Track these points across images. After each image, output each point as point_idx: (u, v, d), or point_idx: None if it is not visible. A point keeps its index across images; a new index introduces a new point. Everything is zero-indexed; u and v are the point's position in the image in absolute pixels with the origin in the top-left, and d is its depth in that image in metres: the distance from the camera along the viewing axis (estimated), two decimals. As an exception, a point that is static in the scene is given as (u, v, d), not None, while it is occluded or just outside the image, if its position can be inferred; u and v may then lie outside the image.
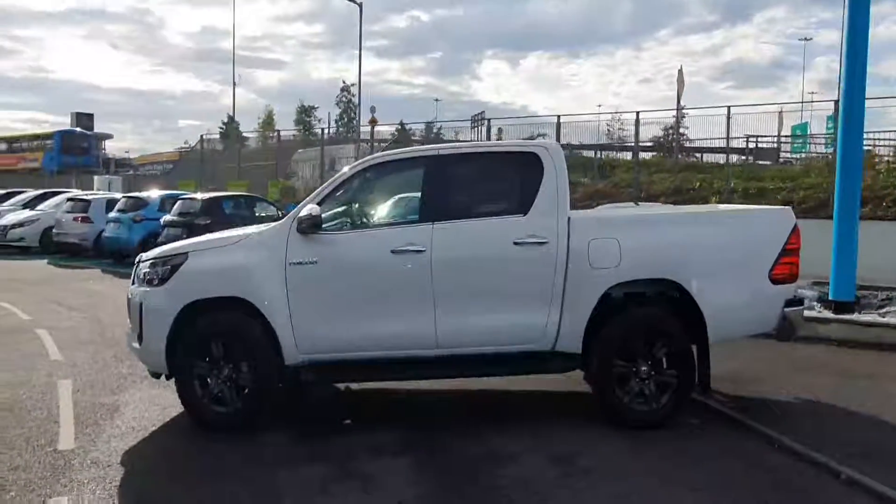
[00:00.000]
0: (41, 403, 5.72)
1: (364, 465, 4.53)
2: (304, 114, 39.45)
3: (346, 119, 37.26)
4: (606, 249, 4.99)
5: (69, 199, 18.42)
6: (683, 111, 23.60)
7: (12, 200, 21.12)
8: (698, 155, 23.76)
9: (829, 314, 8.61)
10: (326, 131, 34.40)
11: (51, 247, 17.83)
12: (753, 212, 5.86)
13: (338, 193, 5.27)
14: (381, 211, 5.58)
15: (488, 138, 21.07)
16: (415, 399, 6.05)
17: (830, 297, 8.84)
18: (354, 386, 6.22)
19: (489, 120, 22.41)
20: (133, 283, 5.39)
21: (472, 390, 6.08)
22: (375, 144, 25.24)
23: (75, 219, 17.27)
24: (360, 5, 30.30)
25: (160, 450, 4.92)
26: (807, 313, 8.54)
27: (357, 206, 5.43)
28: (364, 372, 5.28)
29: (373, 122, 33.29)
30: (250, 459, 4.65)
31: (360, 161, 5.36)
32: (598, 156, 23.04)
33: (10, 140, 49.12)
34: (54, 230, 17.76)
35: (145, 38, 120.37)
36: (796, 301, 5.24)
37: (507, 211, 5.16)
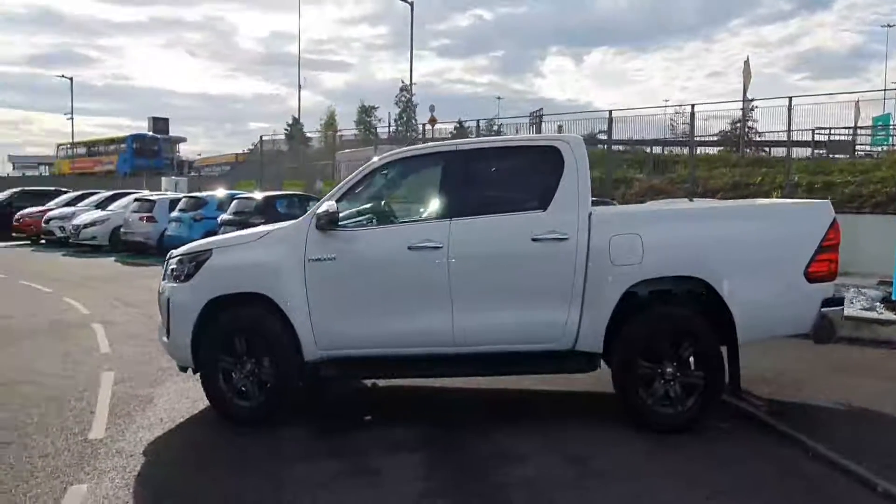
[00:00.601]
0: (83, 394, 5.96)
1: (377, 460, 4.54)
2: (365, 114, 40.08)
3: (404, 118, 37.54)
4: (628, 246, 4.82)
5: (136, 200, 19.25)
6: (752, 104, 22.66)
7: (86, 201, 22.23)
8: (767, 149, 22.79)
9: (891, 315, 8.10)
10: (387, 131, 34.76)
11: (119, 245, 18.66)
12: (788, 206, 5.56)
13: (357, 190, 5.29)
14: (400, 207, 5.56)
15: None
16: (437, 396, 6.02)
17: (894, 298, 8.32)
18: (381, 383, 6.24)
19: (541, 116, 22.11)
20: (163, 279, 5.56)
21: (494, 389, 6.00)
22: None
23: (141, 218, 18.02)
24: (412, 4, 30.50)
25: (184, 441, 5.05)
26: (867, 314, 8.09)
27: (376, 202, 5.43)
28: (382, 369, 5.27)
29: (432, 122, 33.46)
30: (270, 453, 4.71)
31: (378, 157, 5.36)
32: (655, 151, 22.39)
33: (88, 144, 51.96)
34: (122, 229, 18.58)
35: (219, 45, 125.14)
36: (836, 300, 4.92)
37: (526, 206, 5.06)
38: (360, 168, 5.32)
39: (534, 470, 4.34)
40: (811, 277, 4.79)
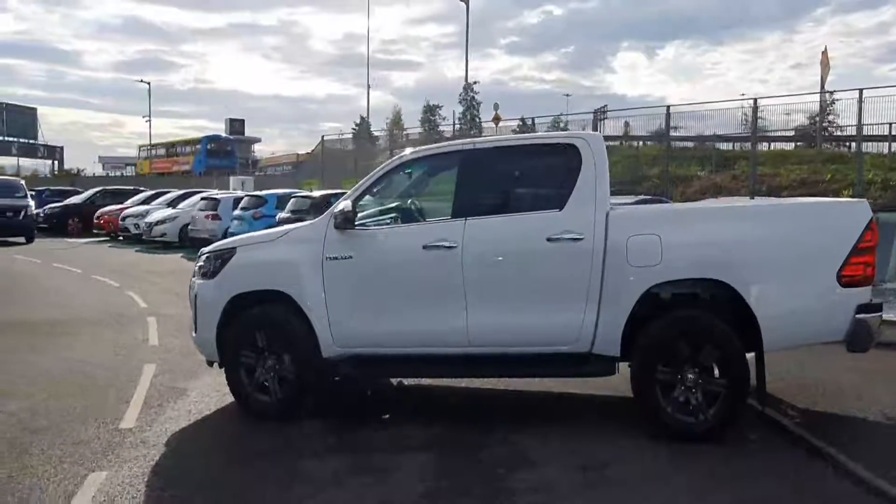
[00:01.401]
0: (124, 384, 6.24)
1: (387, 459, 4.56)
2: (429, 112, 40.27)
3: (468, 117, 37.51)
4: (647, 246, 4.65)
5: (202, 199, 20.01)
6: (832, 96, 21.42)
7: (159, 200, 23.31)
8: (849, 144, 21.54)
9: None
10: (451, 129, 34.81)
11: (187, 242, 19.45)
12: (821, 205, 5.23)
13: (375, 189, 5.32)
14: (417, 206, 5.55)
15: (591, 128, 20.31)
16: (459, 397, 6.01)
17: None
18: (406, 382, 6.26)
19: (604, 112, 21.66)
20: (193, 276, 5.75)
21: (516, 391, 5.95)
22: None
23: (206, 216, 18.72)
24: (467, 2, 30.72)
25: (206, 433, 5.21)
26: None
27: (393, 201, 5.44)
28: (398, 368, 5.30)
29: (496, 120, 33.33)
30: (284, 447, 4.80)
31: (396, 157, 5.37)
32: (725, 147, 21.53)
33: (167, 146, 54.58)
34: (189, 226, 19.36)
35: (293, 48, 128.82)
36: (873, 306, 4.59)
37: (542, 205, 4.96)
38: (379, 167, 5.35)
39: (544, 476, 4.25)
40: (845, 282, 4.49)
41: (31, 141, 62.15)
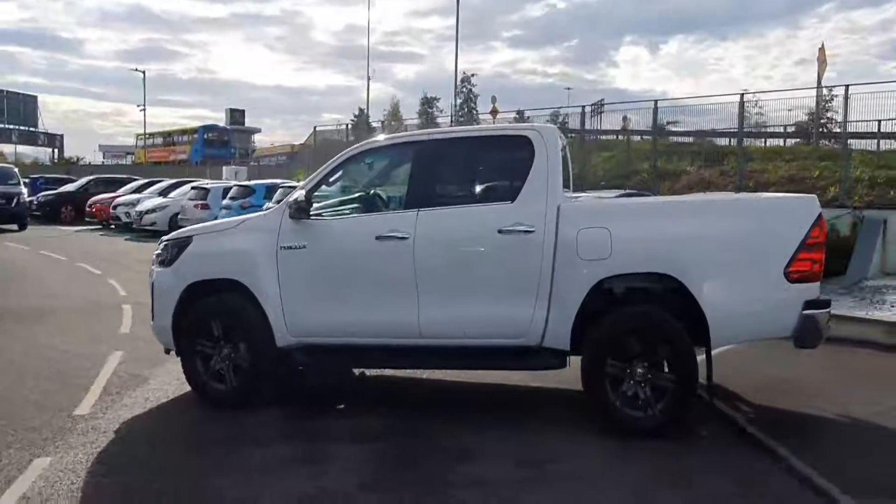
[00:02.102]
0: (86, 371, 6.24)
1: (332, 449, 4.56)
2: (427, 105, 40.28)
3: (466, 109, 37.50)
4: (596, 240, 4.64)
5: (192, 188, 20.01)
6: (832, 92, 21.28)
7: (151, 189, 23.32)
8: (850, 141, 21.39)
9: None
10: (448, 121, 34.74)
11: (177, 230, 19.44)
12: (769, 200, 5.19)
13: (331, 179, 5.31)
14: (372, 197, 5.54)
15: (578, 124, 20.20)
16: (422, 387, 6.03)
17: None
18: (369, 372, 6.27)
19: (601, 106, 21.51)
20: (152, 264, 5.75)
21: (477, 382, 5.94)
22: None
23: (196, 206, 18.74)
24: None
25: (158, 421, 5.20)
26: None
27: (348, 191, 5.43)
28: (352, 358, 5.30)
29: (494, 112, 33.24)
30: (234, 436, 4.80)
31: (351, 147, 5.36)
32: (723, 143, 21.43)
33: (164, 135, 54.66)
34: (179, 216, 19.35)
35: (295, 39, 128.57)
36: (821, 302, 4.57)
37: (495, 197, 4.96)
38: (336, 157, 5.33)
39: (484, 469, 4.24)
40: (792, 277, 4.47)
41: (32, 129, 62.19)
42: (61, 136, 66.50)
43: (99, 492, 3.95)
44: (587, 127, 22.64)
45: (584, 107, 20.09)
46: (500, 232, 4.77)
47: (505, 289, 4.81)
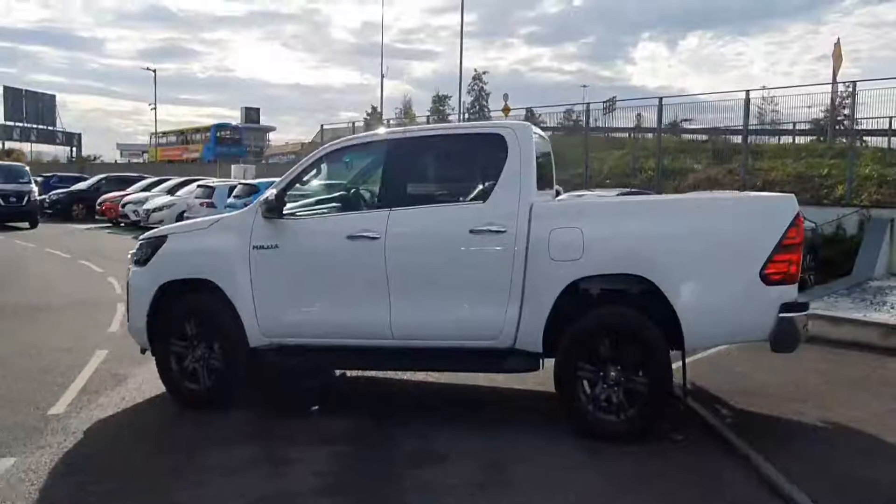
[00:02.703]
0: (68, 369, 6.24)
1: (296, 451, 4.50)
2: (439, 102, 40.24)
3: (476, 107, 37.40)
4: (568, 240, 4.53)
5: (198, 186, 20.09)
6: (848, 89, 20.91)
7: (160, 187, 23.48)
8: (867, 138, 21.02)
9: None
10: (459, 119, 34.63)
11: (183, 229, 19.53)
12: (744, 200, 5.04)
13: (304, 178, 5.25)
14: (346, 196, 5.47)
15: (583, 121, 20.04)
16: (399, 388, 5.96)
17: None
18: (350, 373, 6.22)
19: (613, 103, 21.31)
20: (129, 263, 5.73)
21: (455, 384, 5.88)
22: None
23: (201, 204, 18.77)
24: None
25: (130, 421, 5.16)
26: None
27: (320, 191, 5.37)
28: (323, 358, 5.24)
29: (506, 110, 33.07)
30: (201, 436, 4.78)
31: (324, 146, 5.29)
32: (734, 140, 21.12)
33: (178, 133, 55.07)
34: (185, 214, 19.41)
35: (313, 37, 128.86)
36: (798, 305, 4.44)
37: (467, 197, 4.87)
38: (309, 155, 5.27)
39: (444, 473, 4.16)
40: (769, 279, 4.34)
41: (50, 127, 62.91)
42: (79, 134, 67.26)
43: (52, 493, 3.91)
44: (600, 125, 22.51)
45: (588, 104, 19.81)
46: (471, 232, 4.69)
47: (477, 290, 4.73)
